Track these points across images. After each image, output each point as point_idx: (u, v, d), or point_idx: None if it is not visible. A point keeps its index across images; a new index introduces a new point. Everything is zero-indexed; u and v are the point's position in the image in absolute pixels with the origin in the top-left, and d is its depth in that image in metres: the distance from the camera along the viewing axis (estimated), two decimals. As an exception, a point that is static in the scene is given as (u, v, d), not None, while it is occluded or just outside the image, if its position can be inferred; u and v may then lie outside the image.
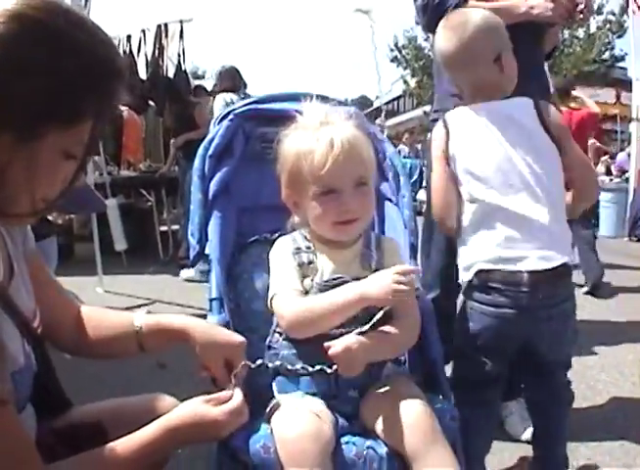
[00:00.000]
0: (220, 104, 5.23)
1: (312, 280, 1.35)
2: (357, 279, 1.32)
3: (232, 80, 5.55)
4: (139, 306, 4.60)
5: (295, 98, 1.63)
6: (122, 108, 6.56)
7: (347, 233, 1.37)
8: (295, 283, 1.35)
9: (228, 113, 1.72)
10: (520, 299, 1.61)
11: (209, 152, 1.66)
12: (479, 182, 1.68)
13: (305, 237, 1.43)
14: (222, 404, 1.14)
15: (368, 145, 1.39)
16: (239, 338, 1.28)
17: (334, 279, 1.34)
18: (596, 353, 3.39)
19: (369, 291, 1.25)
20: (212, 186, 1.64)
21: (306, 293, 1.34)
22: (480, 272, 1.66)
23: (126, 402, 1.32)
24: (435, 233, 2.29)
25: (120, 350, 1.31)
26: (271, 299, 1.36)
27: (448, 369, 1.88)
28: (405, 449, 1.18)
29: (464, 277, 1.71)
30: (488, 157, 1.67)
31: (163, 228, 7.07)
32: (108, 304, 4.60)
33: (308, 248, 1.40)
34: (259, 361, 1.29)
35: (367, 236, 1.44)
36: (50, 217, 4.00)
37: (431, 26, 2.11)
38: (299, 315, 1.30)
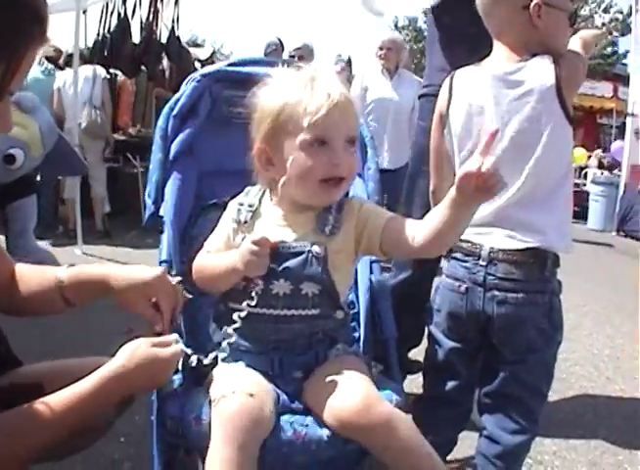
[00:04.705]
0: None
1: (243, 239, 1.26)
2: (310, 245, 1.23)
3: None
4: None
5: (265, 63, 1.61)
6: (116, 71, 6.44)
7: (331, 195, 1.25)
8: (217, 242, 1.32)
9: (197, 74, 1.65)
10: (476, 272, 1.54)
11: (174, 112, 1.60)
12: (459, 156, 1.61)
13: (260, 194, 1.35)
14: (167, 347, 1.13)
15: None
16: (156, 271, 1.25)
17: None
18: (572, 346, 3.36)
19: (237, 262, 1.21)
20: (174, 147, 1.59)
21: None
22: None
23: (68, 363, 1.30)
24: (413, 213, 2.22)
25: (47, 305, 1.27)
26: None
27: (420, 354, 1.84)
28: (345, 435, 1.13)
29: None
30: (473, 131, 1.57)
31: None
32: (84, 266, 4.53)
33: (251, 206, 1.32)
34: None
35: None
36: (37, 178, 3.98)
37: None
38: (196, 272, 1.33)
